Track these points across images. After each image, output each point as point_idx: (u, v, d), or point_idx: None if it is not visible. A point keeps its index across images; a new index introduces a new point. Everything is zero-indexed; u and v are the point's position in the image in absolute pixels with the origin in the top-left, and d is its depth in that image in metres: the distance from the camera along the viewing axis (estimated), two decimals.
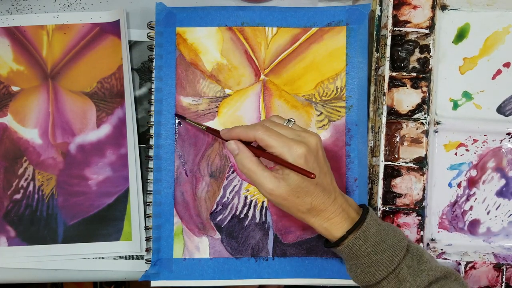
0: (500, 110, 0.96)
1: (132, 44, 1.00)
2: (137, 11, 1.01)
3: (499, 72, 0.97)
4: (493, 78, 0.97)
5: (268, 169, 0.80)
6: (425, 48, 0.93)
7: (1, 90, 0.99)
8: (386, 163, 0.91)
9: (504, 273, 0.93)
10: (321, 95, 0.96)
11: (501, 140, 0.96)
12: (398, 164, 0.91)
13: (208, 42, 0.97)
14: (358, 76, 0.96)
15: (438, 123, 0.95)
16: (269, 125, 0.81)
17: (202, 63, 0.97)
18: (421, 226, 0.92)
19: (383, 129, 0.90)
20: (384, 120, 0.90)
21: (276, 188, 0.78)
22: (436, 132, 0.96)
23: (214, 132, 0.90)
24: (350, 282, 0.94)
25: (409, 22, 0.93)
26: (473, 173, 0.97)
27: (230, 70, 0.97)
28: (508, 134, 0.96)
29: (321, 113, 0.96)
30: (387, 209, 0.91)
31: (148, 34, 0.98)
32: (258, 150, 0.82)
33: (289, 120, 0.84)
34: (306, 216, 0.81)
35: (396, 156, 0.92)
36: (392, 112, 0.92)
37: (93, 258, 0.98)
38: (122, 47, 0.98)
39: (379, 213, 0.91)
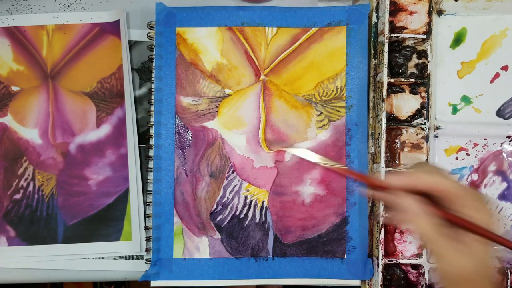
0: (500, 113, 0.97)
1: (132, 44, 1.00)
2: (137, 11, 1.01)
3: (497, 75, 0.97)
4: (492, 81, 0.97)
5: (450, 237, 0.65)
6: (423, 54, 0.93)
7: (1, 90, 0.98)
8: (387, 169, 0.91)
9: (509, 277, 0.93)
10: (321, 95, 0.97)
11: (502, 143, 0.97)
12: (400, 170, 0.92)
13: (208, 42, 0.97)
14: (358, 76, 0.96)
15: (438, 128, 0.96)
16: (433, 169, 0.71)
17: (202, 63, 0.97)
18: None
19: (383, 136, 0.90)
20: (383, 126, 0.90)
21: (469, 260, 0.64)
22: (436, 137, 0.96)
23: (359, 177, 0.82)
24: (350, 282, 0.95)
25: (406, 28, 0.93)
26: (475, 177, 0.97)
27: (230, 70, 0.97)
28: (508, 137, 0.96)
29: (321, 113, 0.97)
30: (390, 215, 0.91)
31: (148, 34, 0.97)
32: (448, 214, 0.68)
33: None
34: None
35: (397, 162, 0.92)
36: (392, 118, 0.93)
37: (93, 258, 0.98)
38: (122, 47, 0.98)
39: (381, 220, 0.91)
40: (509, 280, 0.93)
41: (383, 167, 0.91)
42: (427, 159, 0.93)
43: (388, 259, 0.91)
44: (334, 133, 0.96)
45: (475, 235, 0.64)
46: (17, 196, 0.98)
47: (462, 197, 0.64)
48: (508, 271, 0.94)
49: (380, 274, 0.89)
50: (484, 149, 0.97)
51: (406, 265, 0.92)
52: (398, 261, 0.91)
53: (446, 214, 0.66)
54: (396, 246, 0.92)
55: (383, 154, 0.91)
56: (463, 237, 0.65)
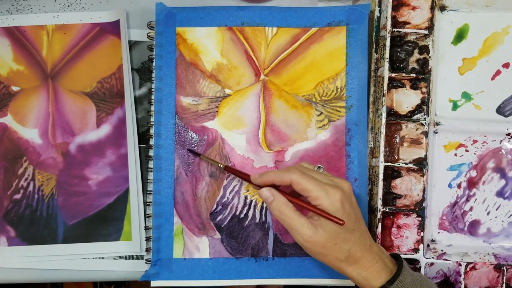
0: (500, 110, 0.97)
1: (132, 44, 1.00)
2: (137, 11, 1.01)
3: (498, 72, 0.97)
4: (493, 78, 0.97)
5: (304, 216, 0.79)
6: (424, 49, 0.93)
7: (1, 90, 0.99)
8: (386, 164, 0.91)
9: (505, 273, 0.93)
10: (321, 95, 0.96)
11: (501, 141, 0.96)
12: (398, 165, 0.91)
13: (208, 42, 0.97)
14: (358, 76, 0.96)
15: (437, 123, 0.96)
16: (303, 170, 0.81)
17: (202, 63, 0.97)
18: (421, 227, 0.92)
19: (383, 130, 0.90)
20: (383, 121, 0.90)
21: (313, 235, 0.77)
22: (436, 132, 0.96)
23: (239, 174, 0.90)
24: (350, 282, 0.94)
25: (408, 23, 0.93)
26: (473, 173, 0.97)
27: (230, 70, 0.97)
28: (508, 134, 0.96)
29: (321, 113, 0.96)
30: (387, 210, 0.91)
31: (148, 34, 0.98)
32: (291, 197, 0.81)
33: (319, 167, 0.86)
34: (344, 265, 0.79)
35: (396, 157, 0.92)
36: (392, 113, 0.92)
37: (93, 258, 0.98)
38: (122, 47, 0.98)
39: (379, 214, 0.91)
40: (505, 277, 0.93)
41: (382, 162, 0.91)
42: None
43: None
44: (334, 133, 0.96)
45: (313, 211, 0.79)
46: (17, 196, 0.98)
47: (304, 183, 0.78)
48: (504, 268, 0.93)
49: None
50: (483, 146, 0.96)
51: None
52: (393, 253, 0.90)
53: (294, 199, 0.81)
54: (393, 241, 0.92)
55: (382, 149, 0.91)
56: (312, 215, 0.80)
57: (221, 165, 0.92)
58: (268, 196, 0.81)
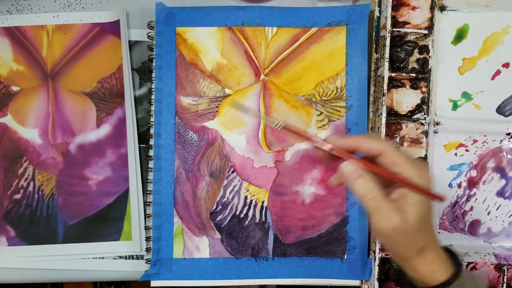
0: (500, 110, 0.97)
1: (132, 44, 1.00)
2: (137, 11, 1.01)
3: (498, 72, 0.97)
4: (492, 78, 0.97)
5: (390, 200, 0.68)
6: (424, 49, 0.93)
7: (1, 90, 0.99)
8: None
9: (505, 273, 0.93)
10: (321, 95, 0.96)
11: (501, 140, 0.96)
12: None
13: (208, 42, 0.97)
14: (358, 76, 0.96)
15: (437, 123, 0.96)
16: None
17: (202, 63, 0.97)
18: None
19: (383, 130, 0.90)
20: (383, 120, 0.90)
21: (404, 221, 0.66)
22: (436, 132, 0.96)
23: (301, 134, 0.75)
24: (350, 282, 0.94)
25: (408, 23, 0.93)
26: (473, 173, 0.97)
27: (230, 70, 0.97)
28: (508, 134, 0.96)
29: (321, 113, 0.96)
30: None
31: (148, 34, 0.98)
32: (379, 168, 0.69)
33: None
34: (416, 257, 0.70)
35: None
36: (392, 113, 0.93)
37: (93, 258, 0.98)
38: (122, 47, 0.98)
39: None
40: (505, 277, 0.93)
41: None
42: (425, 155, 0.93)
43: (385, 253, 0.91)
44: (334, 133, 0.96)
45: (409, 191, 0.67)
46: (17, 196, 0.98)
47: (397, 157, 0.68)
48: (505, 267, 0.93)
49: (377, 268, 0.89)
50: (483, 145, 0.96)
51: None
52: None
53: (383, 171, 0.68)
54: None
55: None
56: (404, 199, 0.68)
57: (280, 124, 0.74)
58: (353, 171, 0.69)
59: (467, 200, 0.97)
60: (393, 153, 0.67)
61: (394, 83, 0.93)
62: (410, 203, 0.67)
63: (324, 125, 0.96)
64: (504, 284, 0.93)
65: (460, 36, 0.97)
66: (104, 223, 0.97)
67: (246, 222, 0.96)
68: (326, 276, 0.95)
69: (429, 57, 0.93)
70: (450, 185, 0.97)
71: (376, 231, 0.69)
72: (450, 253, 0.75)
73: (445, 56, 0.97)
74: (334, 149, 0.70)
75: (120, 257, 0.98)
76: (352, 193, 0.77)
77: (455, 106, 0.97)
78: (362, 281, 0.95)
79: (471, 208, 0.97)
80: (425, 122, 0.92)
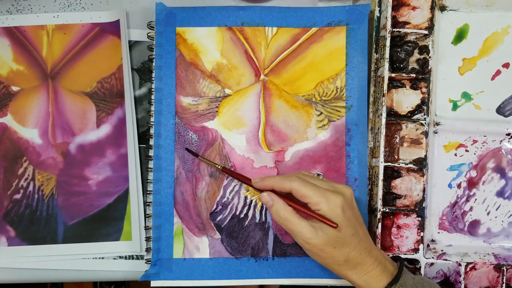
0: (500, 110, 0.97)
1: (132, 44, 1.00)
2: (137, 11, 1.01)
3: (498, 72, 0.97)
4: (493, 78, 0.97)
5: (304, 219, 0.80)
6: (424, 49, 0.93)
7: (1, 90, 0.99)
8: (386, 164, 0.91)
9: (505, 273, 0.93)
10: (321, 95, 0.96)
11: (501, 141, 0.96)
12: (398, 165, 0.91)
13: (208, 42, 0.97)
14: (358, 76, 0.96)
15: (437, 124, 0.96)
16: (303, 177, 0.83)
17: (202, 63, 0.97)
18: (421, 227, 0.92)
19: (383, 130, 0.90)
20: (383, 121, 0.90)
21: (314, 237, 0.78)
22: (436, 133, 0.96)
23: (238, 176, 0.91)
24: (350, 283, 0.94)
25: (408, 23, 0.93)
26: (473, 173, 0.97)
27: (230, 70, 0.97)
28: (508, 134, 0.96)
29: (321, 113, 0.96)
30: (387, 210, 0.91)
31: (148, 34, 0.98)
32: (290, 201, 0.83)
33: (318, 174, 0.89)
34: (343, 269, 0.81)
35: (396, 157, 0.92)
36: (392, 113, 0.93)
37: (93, 258, 0.98)
38: (122, 47, 0.98)
39: (378, 214, 0.91)
40: (505, 277, 0.93)
41: (382, 162, 0.91)
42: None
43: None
44: (334, 133, 0.96)
45: (310, 216, 0.81)
46: (17, 196, 0.98)
47: (304, 191, 0.80)
48: (504, 268, 0.93)
49: None
50: (483, 146, 0.96)
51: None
52: (394, 255, 0.91)
53: (293, 204, 0.82)
54: (393, 241, 0.92)
55: (382, 149, 0.90)
56: (313, 219, 0.81)
57: (219, 167, 0.92)
58: (268, 201, 0.83)
59: (467, 200, 0.97)
60: (300, 188, 0.80)
61: (394, 84, 0.93)
62: (320, 222, 0.80)
63: (324, 125, 0.96)
64: (504, 284, 0.93)
65: (460, 36, 0.97)
66: (104, 223, 0.97)
67: (246, 222, 0.96)
68: (326, 276, 0.95)
69: (429, 57, 0.93)
70: (450, 185, 0.97)
71: (300, 245, 0.82)
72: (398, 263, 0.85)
73: (445, 56, 0.97)
74: (256, 186, 0.86)
75: (120, 257, 0.98)
76: (274, 219, 0.87)
77: (455, 106, 0.97)
78: None
79: (471, 209, 0.97)
80: (425, 123, 0.92)
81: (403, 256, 0.91)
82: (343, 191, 0.82)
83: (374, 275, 0.80)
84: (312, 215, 0.79)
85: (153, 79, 0.97)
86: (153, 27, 0.97)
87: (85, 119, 0.98)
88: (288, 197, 0.84)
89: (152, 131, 0.96)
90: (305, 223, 0.79)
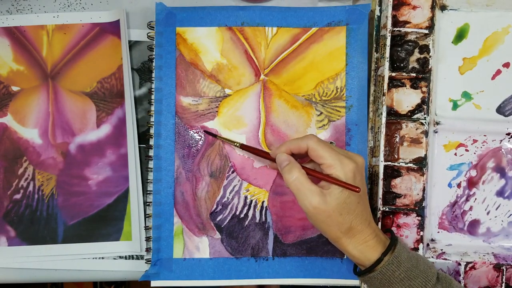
0: (500, 110, 0.96)
1: (132, 44, 1.00)
2: (137, 11, 1.01)
3: (498, 72, 0.97)
4: (493, 78, 0.97)
5: (315, 184, 0.80)
6: (425, 49, 0.93)
7: (1, 90, 0.99)
8: (386, 163, 0.91)
9: (504, 273, 0.93)
10: (321, 95, 0.96)
11: (501, 140, 0.96)
12: (398, 165, 0.91)
13: (208, 42, 0.97)
14: (358, 76, 0.96)
15: (437, 123, 0.96)
16: (319, 138, 0.83)
17: (202, 63, 0.97)
18: (421, 226, 0.92)
19: (383, 130, 0.90)
20: (383, 120, 0.90)
21: (322, 202, 0.78)
22: (436, 132, 0.96)
23: (257, 151, 0.91)
24: (350, 282, 0.94)
25: (409, 23, 0.93)
26: (473, 173, 0.97)
27: (230, 70, 0.97)
28: (508, 134, 0.96)
29: (321, 113, 0.96)
30: (387, 209, 0.91)
31: (148, 34, 0.98)
32: (305, 167, 0.82)
33: (331, 142, 0.91)
34: (343, 237, 0.81)
35: (395, 156, 0.92)
36: (392, 113, 0.92)
37: (93, 258, 0.98)
38: (122, 47, 0.98)
39: (378, 213, 0.91)
40: (504, 277, 0.93)
41: (381, 161, 0.90)
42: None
43: None
44: (334, 133, 0.96)
45: (329, 184, 0.80)
46: (17, 196, 0.98)
47: (321, 150, 0.80)
48: (504, 267, 0.93)
49: None
50: (483, 145, 0.96)
51: None
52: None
53: (308, 169, 0.82)
54: None
55: (382, 148, 0.90)
56: (328, 185, 0.80)
57: (237, 144, 0.93)
58: (283, 160, 0.83)
59: (467, 200, 0.97)
60: (317, 147, 0.80)
61: (394, 83, 0.93)
62: (332, 188, 0.79)
63: (324, 125, 0.96)
64: (503, 284, 0.93)
65: (460, 35, 0.97)
66: (104, 223, 0.97)
67: (246, 222, 0.96)
68: (326, 276, 0.95)
69: (430, 56, 0.93)
70: (449, 185, 0.97)
71: (303, 210, 0.81)
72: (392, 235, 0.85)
73: (446, 56, 0.97)
74: (274, 155, 0.87)
75: (120, 257, 0.98)
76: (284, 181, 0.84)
77: (455, 105, 0.97)
78: None
79: (471, 208, 0.97)
80: (425, 122, 0.92)
81: None
82: (356, 158, 0.81)
83: (370, 245, 0.81)
84: (330, 180, 0.79)
85: (153, 79, 0.97)
86: (153, 27, 0.97)
87: (85, 119, 0.98)
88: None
89: (152, 131, 0.96)
90: (315, 187, 0.78)
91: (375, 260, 0.80)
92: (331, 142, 0.91)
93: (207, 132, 0.96)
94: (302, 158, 0.86)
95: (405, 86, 0.93)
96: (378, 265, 0.79)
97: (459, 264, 0.93)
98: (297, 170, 0.80)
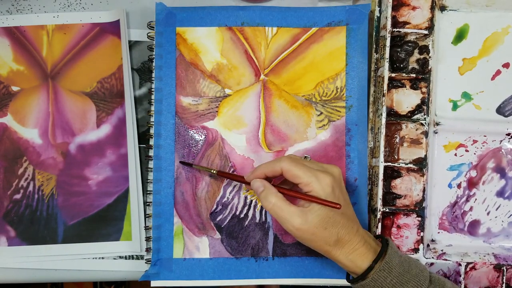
0: (500, 110, 0.96)
1: (132, 44, 1.00)
2: (137, 11, 1.01)
3: (498, 72, 0.97)
4: (493, 78, 0.97)
5: (293, 205, 0.80)
6: (424, 49, 0.93)
7: (1, 90, 0.99)
8: (386, 164, 0.91)
9: (505, 273, 0.93)
10: (321, 95, 0.97)
11: (501, 141, 0.96)
12: (398, 165, 0.91)
13: (208, 42, 0.97)
14: (358, 76, 0.96)
15: (437, 124, 0.96)
16: (293, 158, 0.83)
17: (202, 63, 0.97)
18: (421, 227, 0.92)
19: (383, 130, 0.90)
20: (383, 121, 0.90)
21: (304, 223, 0.78)
22: (436, 133, 0.96)
23: (233, 177, 0.93)
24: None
25: (408, 23, 0.93)
26: (473, 173, 0.97)
27: (230, 70, 0.97)
28: (508, 134, 0.96)
29: (321, 113, 0.96)
30: (387, 210, 0.91)
31: (148, 34, 0.98)
32: (282, 188, 0.83)
33: (305, 157, 0.90)
34: (333, 249, 0.80)
35: (395, 157, 0.92)
36: (392, 113, 0.92)
37: (93, 258, 0.98)
38: (122, 47, 0.98)
39: (378, 214, 0.91)
40: (505, 277, 0.93)
41: (382, 162, 0.90)
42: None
43: None
44: (334, 133, 0.96)
45: (308, 202, 0.80)
46: (17, 196, 0.98)
47: (295, 170, 0.80)
48: (504, 268, 0.93)
49: None
50: (483, 146, 0.96)
51: None
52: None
53: (285, 190, 0.82)
54: (393, 241, 0.92)
55: (382, 149, 0.90)
56: (307, 203, 0.80)
57: (214, 171, 0.92)
58: (258, 186, 0.83)
59: (467, 200, 0.97)
60: (290, 168, 0.80)
61: (394, 83, 0.93)
62: (311, 204, 0.79)
63: (324, 125, 0.96)
64: (504, 284, 0.93)
65: (460, 36, 0.97)
66: (104, 223, 0.97)
67: (246, 222, 0.96)
68: (326, 276, 0.95)
69: (429, 57, 0.93)
70: (449, 185, 0.97)
71: (288, 232, 0.81)
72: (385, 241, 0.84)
73: (445, 56, 0.97)
74: (249, 179, 0.86)
75: (120, 257, 0.98)
76: (264, 207, 0.85)
77: (455, 106, 0.97)
78: None
79: (471, 208, 0.97)
80: (425, 123, 0.92)
81: None
82: (332, 170, 0.82)
83: (360, 253, 0.80)
84: (309, 199, 0.79)
85: (153, 79, 0.97)
86: (153, 27, 0.97)
87: (85, 119, 0.98)
88: (281, 186, 0.85)
89: (152, 131, 0.96)
90: (294, 209, 0.79)
91: (366, 267, 0.80)
92: (305, 157, 0.91)
93: (183, 163, 0.96)
94: (280, 177, 0.87)
95: (405, 86, 0.93)
96: (370, 273, 0.79)
97: (460, 264, 0.93)
98: (273, 195, 0.80)
